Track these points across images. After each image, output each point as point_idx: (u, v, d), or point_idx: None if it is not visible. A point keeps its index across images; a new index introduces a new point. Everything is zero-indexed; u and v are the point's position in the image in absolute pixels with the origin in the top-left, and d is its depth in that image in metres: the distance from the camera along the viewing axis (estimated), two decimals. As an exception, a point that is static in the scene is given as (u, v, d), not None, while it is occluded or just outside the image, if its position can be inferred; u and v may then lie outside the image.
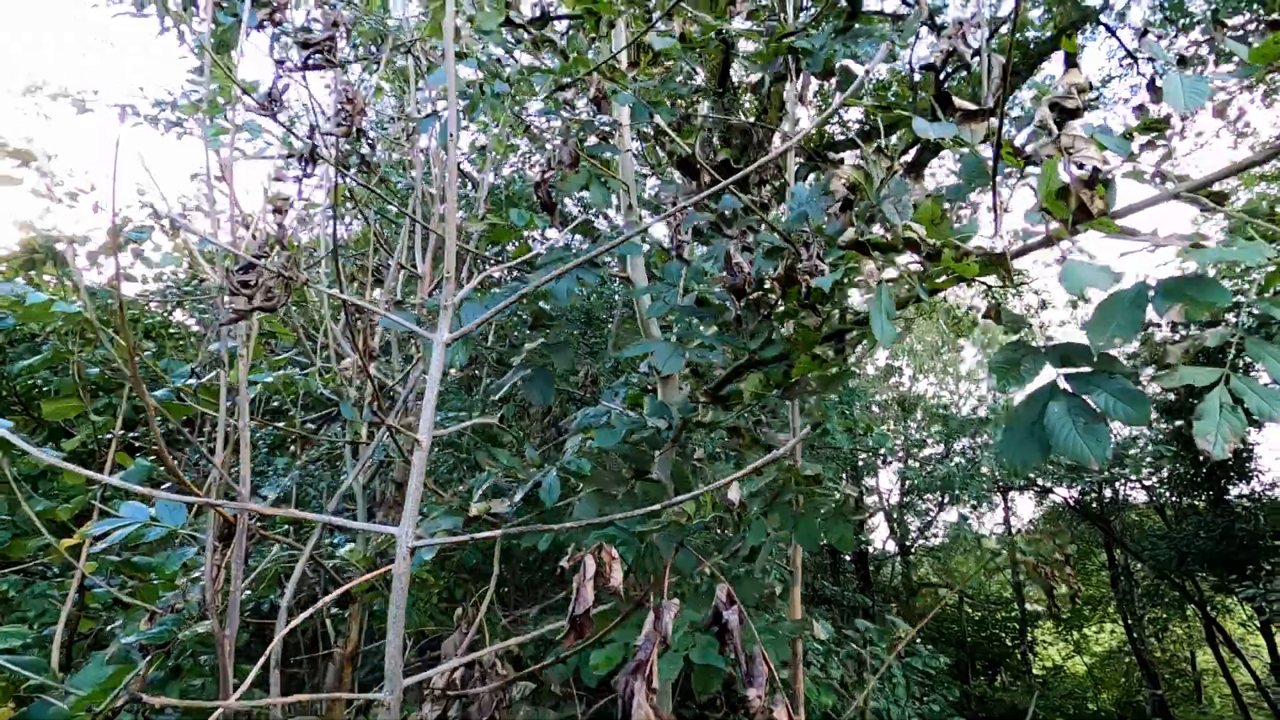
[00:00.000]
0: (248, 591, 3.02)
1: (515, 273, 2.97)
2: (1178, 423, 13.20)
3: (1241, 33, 11.66)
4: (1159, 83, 2.08)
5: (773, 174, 2.81)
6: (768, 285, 1.90)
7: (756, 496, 1.99)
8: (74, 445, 4.06)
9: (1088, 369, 1.30)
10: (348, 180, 3.13)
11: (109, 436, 3.69)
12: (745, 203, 1.78)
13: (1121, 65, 14.52)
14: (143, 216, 5.02)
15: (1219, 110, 1.71)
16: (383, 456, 2.88)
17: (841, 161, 1.71)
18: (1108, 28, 13.82)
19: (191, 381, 2.43)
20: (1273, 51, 1.45)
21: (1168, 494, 15.26)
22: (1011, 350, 1.36)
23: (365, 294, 3.78)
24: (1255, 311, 1.31)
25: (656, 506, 1.15)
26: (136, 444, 4.75)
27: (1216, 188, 1.84)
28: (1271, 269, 1.33)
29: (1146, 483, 15.49)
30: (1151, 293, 1.24)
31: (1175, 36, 13.91)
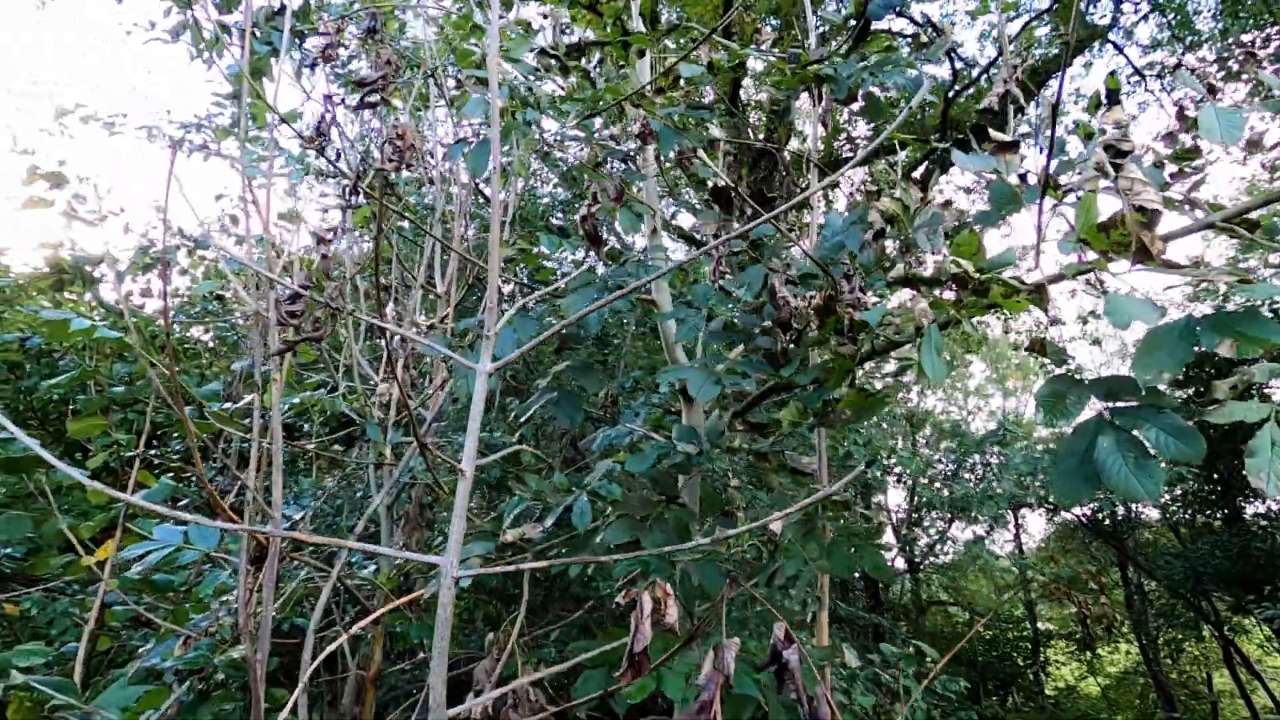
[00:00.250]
0: (275, 614, 3.03)
1: (535, 294, 3.00)
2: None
3: (1253, 51, 11.69)
4: (1189, 112, 2.10)
5: (791, 192, 2.83)
6: (800, 311, 1.92)
7: (791, 524, 1.99)
8: (97, 463, 4.09)
9: (1135, 403, 1.30)
10: (372, 202, 3.16)
11: (131, 455, 3.72)
12: (782, 233, 1.81)
13: (1129, 82, 14.57)
14: (166, 237, 5.07)
15: (1253, 142, 1.72)
16: (407, 479, 2.89)
17: (879, 193, 1.73)
18: (1116, 46, 13.89)
19: (227, 406, 2.45)
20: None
21: (1182, 512, 15.09)
22: (1056, 383, 1.36)
23: (383, 312, 3.81)
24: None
25: (705, 541, 1.15)
26: (156, 461, 4.78)
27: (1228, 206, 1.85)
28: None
29: (1160, 500, 15.34)
30: (1199, 327, 1.24)
31: (1183, 53, 13.98)
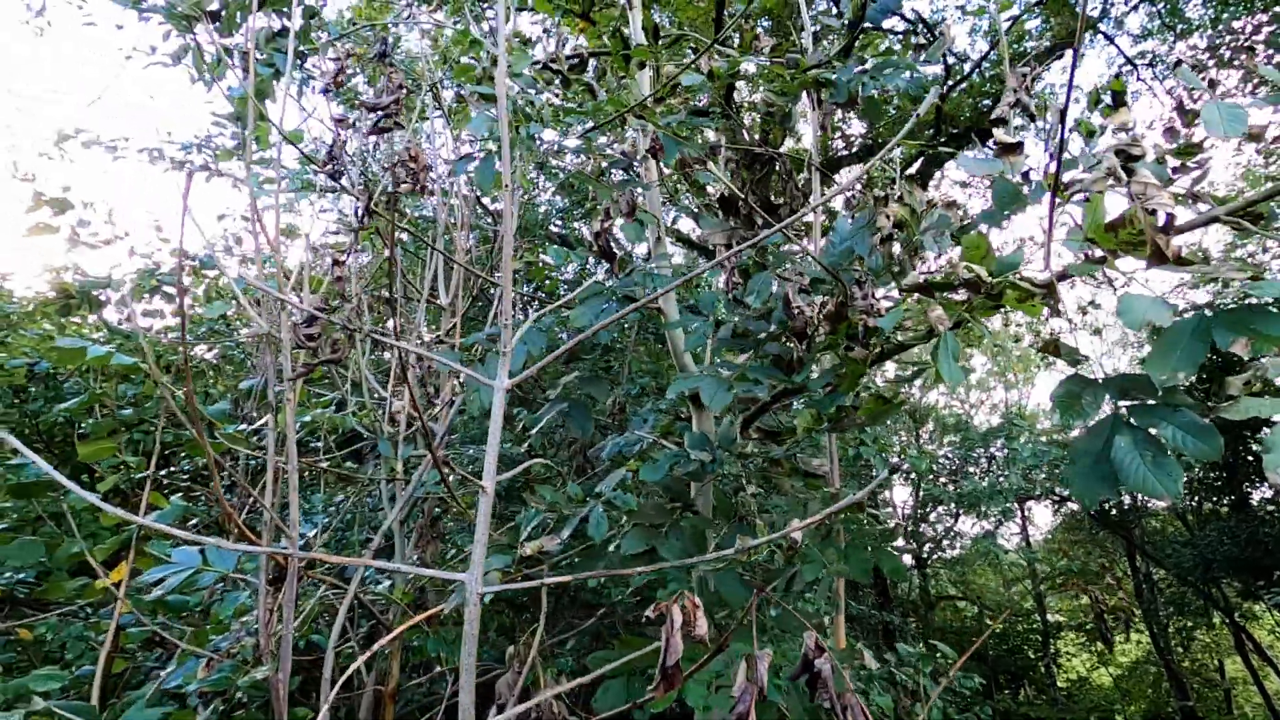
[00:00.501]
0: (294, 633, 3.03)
1: (545, 305, 3.01)
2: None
3: (1245, 39, 11.72)
4: (1189, 106, 2.11)
5: (794, 196, 2.85)
6: (811, 319, 1.93)
7: (808, 529, 2.00)
8: (107, 486, 4.10)
9: (1150, 401, 1.31)
10: (376, 219, 3.18)
11: (140, 476, 3.73)
12: (794, 241, 1.82)
13: (1121, 71, 14.63)
14: (165, 256, 5.09)
15: (1254, 135, 1.74)
16: (420, 494, 2.90)
17: (887, 199, 1.74)
18: (1107, 36, 13.93)
19: (243, 427, 2.46)
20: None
21: (1189, 499, 15.08)
22: (1072, 383, 1.38)
23: (396, 332, 3.82)
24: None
25: (730, 552, 1.16)
26: (165, 482, 4.79)
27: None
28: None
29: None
30: (1213, 325, 1.25)
31: (1174, 42, 14.02)
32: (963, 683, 4.73)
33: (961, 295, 1.77)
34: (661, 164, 2.89)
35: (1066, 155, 2.04)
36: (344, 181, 2.10)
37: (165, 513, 3.26)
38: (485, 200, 6.29)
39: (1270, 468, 1.17)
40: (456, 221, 3.48)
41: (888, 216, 1.69)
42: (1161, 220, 1.19)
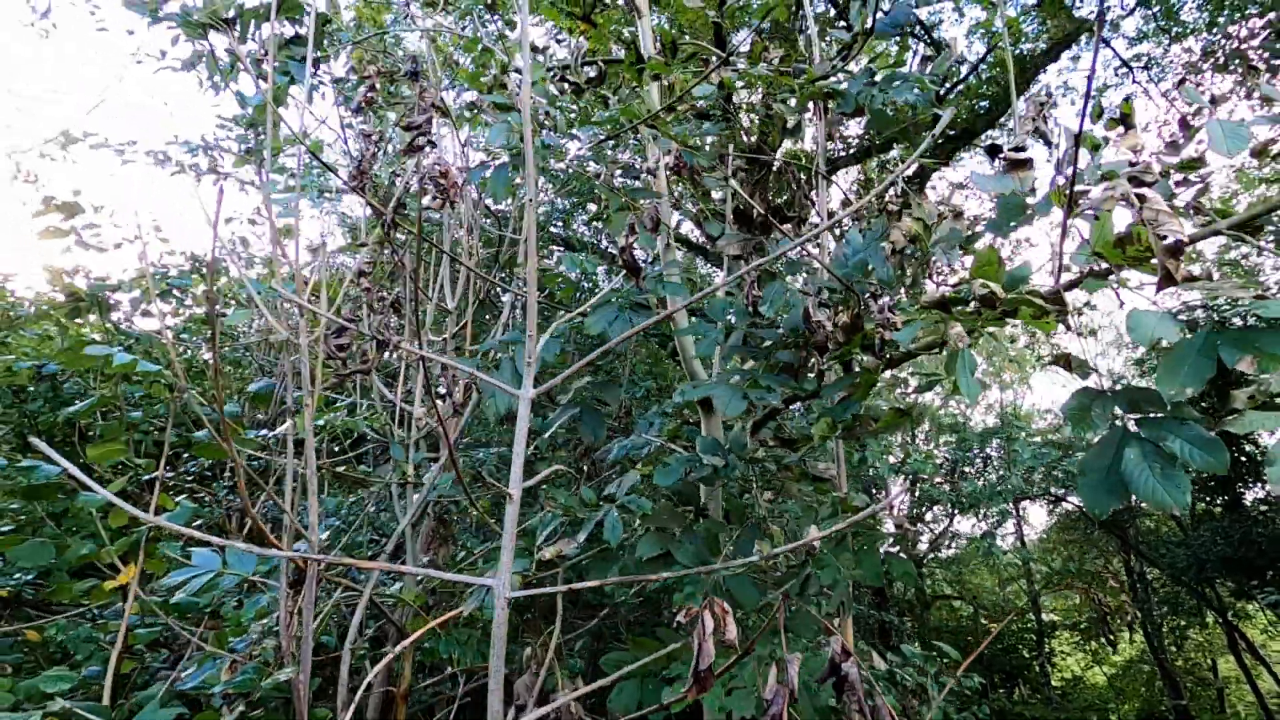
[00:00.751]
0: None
1: (551, 310, 3.05)
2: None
3: (1241, 43, 11.82)
4: (1192, 122, 2.16)
5: (801, 205, 2.90)
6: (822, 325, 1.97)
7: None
8: (118, 487, 4.12)
9: (1159, 414, 1.36)
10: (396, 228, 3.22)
11: (148, 478, 3.76)
12: (814, 257, 1.86)
13: (1117, 74, 14.74)
14: (161, 257, 5.11)
15: (1257, 152, 1.79)
16: (433, 497, 2.94)
17: (901, 214, 1.79)
18: (1103, 39, 14.04)
19: (264, 433, 2.49)
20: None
21: (1182, 499, 15.12)
22: (1082, 396, 1.42)
23: (420, 341, 3.86)
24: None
25: (754, 558, 1.21)
26: (170, 482, 4.81)
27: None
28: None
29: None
30: (1219, 342, 1.30)
31: (1169, 45, 14.15)
32: (962, 683, 4.80)
33: (975, 305, 1.82)
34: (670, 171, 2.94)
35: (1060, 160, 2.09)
36: (367, 191, 2.13)
37: (175, 514, 3.29)
38: (489, 201, 6.33)
39: (1274, 480, 1.22)
40: (463, 225, 3.51)
41: (902, 231, 1.74)
42: (1171, 245, 1.24)
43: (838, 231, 2.90)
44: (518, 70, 3.22)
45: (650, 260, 3.61)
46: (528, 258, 1.57)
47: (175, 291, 3.85)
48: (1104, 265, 1.78)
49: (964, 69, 11.32)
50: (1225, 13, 12.27)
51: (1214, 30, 12.79)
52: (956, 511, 15.33)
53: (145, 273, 4.16)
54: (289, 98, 2.76)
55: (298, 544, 2.75)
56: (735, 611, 2.18)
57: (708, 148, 3.06)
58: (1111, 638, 17.49)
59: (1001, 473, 11.70)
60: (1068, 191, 1.41)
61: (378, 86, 2.05)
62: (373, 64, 2.21)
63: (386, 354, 2.16)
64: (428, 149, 1.83)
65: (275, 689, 2.34)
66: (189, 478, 5.12)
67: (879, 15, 2.57)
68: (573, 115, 2.41)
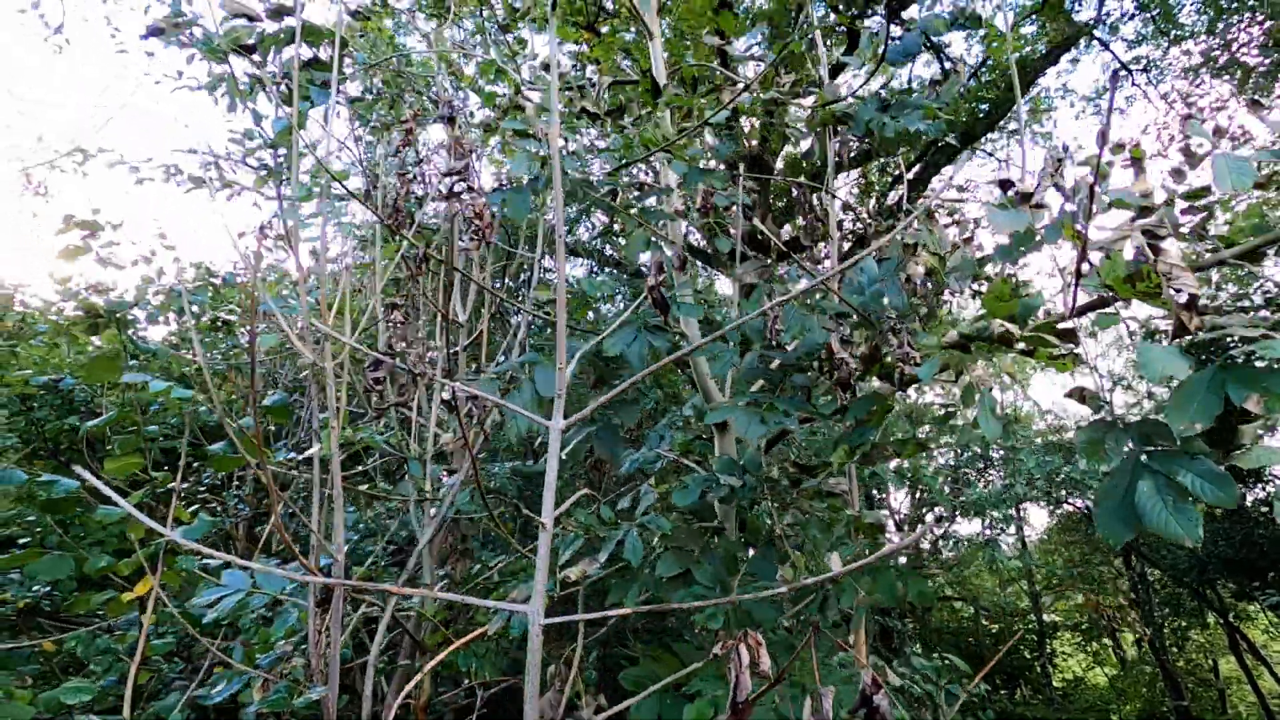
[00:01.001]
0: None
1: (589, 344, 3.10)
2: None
3: (1241, 48, 11.89)
4: (1194, 149, 2.22)
5: (813, 226, 2.96)
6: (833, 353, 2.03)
7: (844, 559, 2.10)
8: (137, 499, 4.18)
9: (1170, 446, 1.41)
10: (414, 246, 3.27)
11: (162, 490, 3.81)
12: (834, 293, 1.92)
13: (1116, 77, 14.75)
14: (178, 274, 5.15)
15: (1261, 184, 1.85)
16: (450, 514, 2.99)
17: (917, 249, 1.85)
18: (1102, 42, 14.11)
19: (292, 455, 2.54)
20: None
21: (1183, 501, 15.18)
22: (1095, 429, 1.48)
23: (452, 374, 3.92)
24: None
25: (781, 590, 1.26)
26: (183, 493, 4.86)
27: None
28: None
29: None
30: (1226, 379, 1.36)
31: (1167, 48, 14.21)
32: (969, 690, 4.84)
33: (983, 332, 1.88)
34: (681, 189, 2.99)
35: (1072, 188, 2.15)
36: (376, 209, 2.18)
37: (193, 529, 3.34)
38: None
39: (1279, 514, 1.28)
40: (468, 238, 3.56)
41: (919, 265, 1.80)
42: (1185, 300, 1.30)
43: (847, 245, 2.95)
44: (531, 85, 3.27)
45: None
46: (558, 288, 1.63)
47: (193, 308, 3.90)
48: (1113, 294, 1.84)
49: (964, 72, 11.37)
50: (1224, 17, 12.34)
51: (1213, 34, 12.86)
52: (958, 513, 15.39)
53: (167, 289, 4.22)
54: (306, 119, 2.82)
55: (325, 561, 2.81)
56: (752, 624, 2.24)
57: (720, 166, 3.12)
58: (1119, 649, 17.58)
59: (1007, 481, 11.75)
60: (1082, 233, 1.46)
61: (414, 130, 2.11)
62: (406, 104, 2.26)
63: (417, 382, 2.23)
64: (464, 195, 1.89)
65: (308, 707, 2.40)
66: (201, 488, 5.18)
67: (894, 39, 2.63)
68: (593, 139, 2.47)
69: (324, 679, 2.17)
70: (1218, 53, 12.97)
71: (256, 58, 2.92)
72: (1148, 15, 13.72)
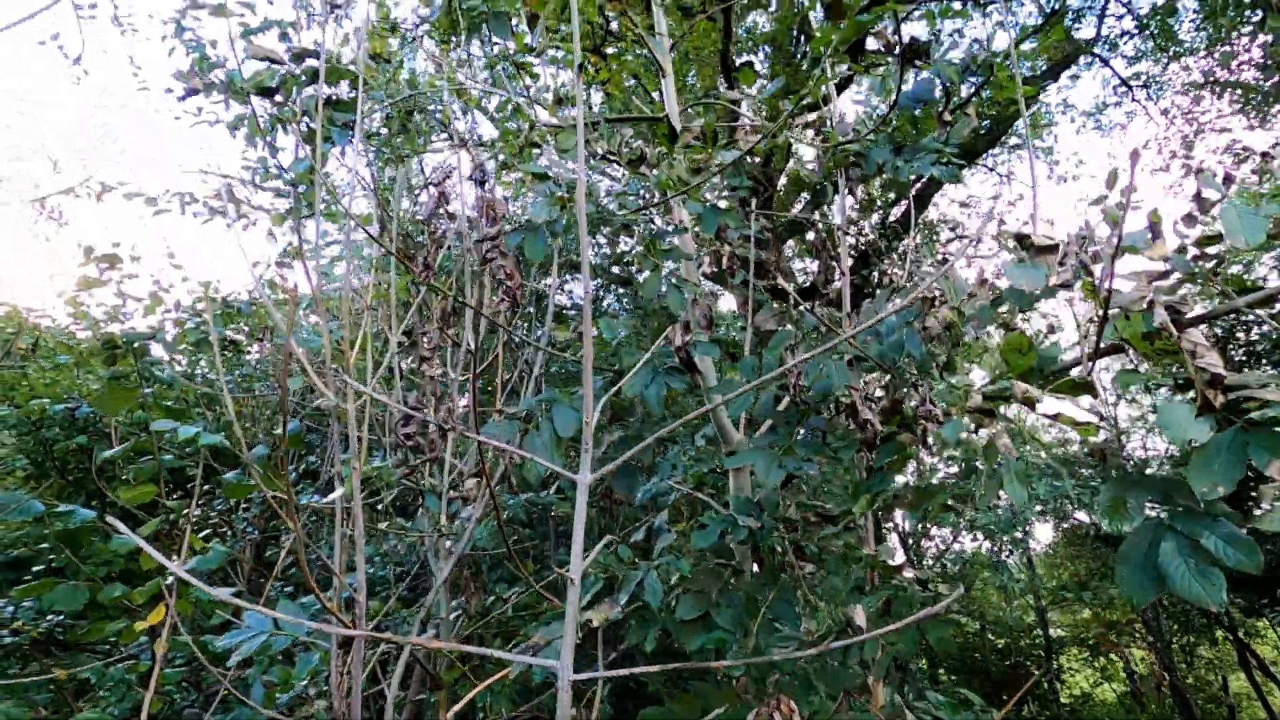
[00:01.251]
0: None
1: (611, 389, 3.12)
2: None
3: (1240, 65, 11.99)
4: (1205, 194, 2.26)
5: (829, 267, 3.00)
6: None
7: (870, 608, 2.12)
8: (152, 528, 4.20)
9: (1193, 506, 1.44)
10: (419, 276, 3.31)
11: (175, 518, 3.83)
12: (864, 354, 1.95)
13: (1115, 93, 14.95)
14: (184, 300, 5.19)
15: (1274, 235, 1.88)
16: (466, 549, 3.01)
17: (934, 301, 1.88)
18: (1101, 59, 14.24)
19: (316, 499, 2.57)
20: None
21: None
22: (1117, 487, 1.50)
23: (477, 426, 3.95)
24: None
25: (814, 651, 1.28)
26: (195, 520, 4.89)
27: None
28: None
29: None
30: (1248, 444, 1.38)
31: (1166, 64, 14.33)
32: (980, 717, 4.82)
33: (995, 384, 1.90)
34: (698, 234, 3.03)
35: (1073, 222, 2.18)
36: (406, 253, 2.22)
37: (207, 558, 3.36)
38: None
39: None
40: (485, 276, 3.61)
41: (938, 319, 1.83)
42: (1210, 378, 1.33)
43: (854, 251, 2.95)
44: (546, 126, 3.32)
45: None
46: (584, 345, 1.66)
47: (210, 339, 3.94)
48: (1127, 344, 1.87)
49: (965, 90, 11.47)
50: (1223, 35, 12.45)
51: (1212, 54, 12.96)
52: (964, 530, 15.33)
53: (154, 305, 4.26)
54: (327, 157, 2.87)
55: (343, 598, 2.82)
56: (773, 672, 2.25)
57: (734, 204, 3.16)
58: (1128, 665, 17.47)
59: (1019, 509, 11.73)
60: (1105, 294, 1.49)
61: (449, 197, 2.15)
62: (447, 171, 2.31)
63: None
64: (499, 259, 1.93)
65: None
66: (213, 515, 5.21)
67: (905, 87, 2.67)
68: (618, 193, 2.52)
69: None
70: (1219, 72, 13.08)
71: (279, 98, 2.97)
72: (1147, 33, 13.85)
